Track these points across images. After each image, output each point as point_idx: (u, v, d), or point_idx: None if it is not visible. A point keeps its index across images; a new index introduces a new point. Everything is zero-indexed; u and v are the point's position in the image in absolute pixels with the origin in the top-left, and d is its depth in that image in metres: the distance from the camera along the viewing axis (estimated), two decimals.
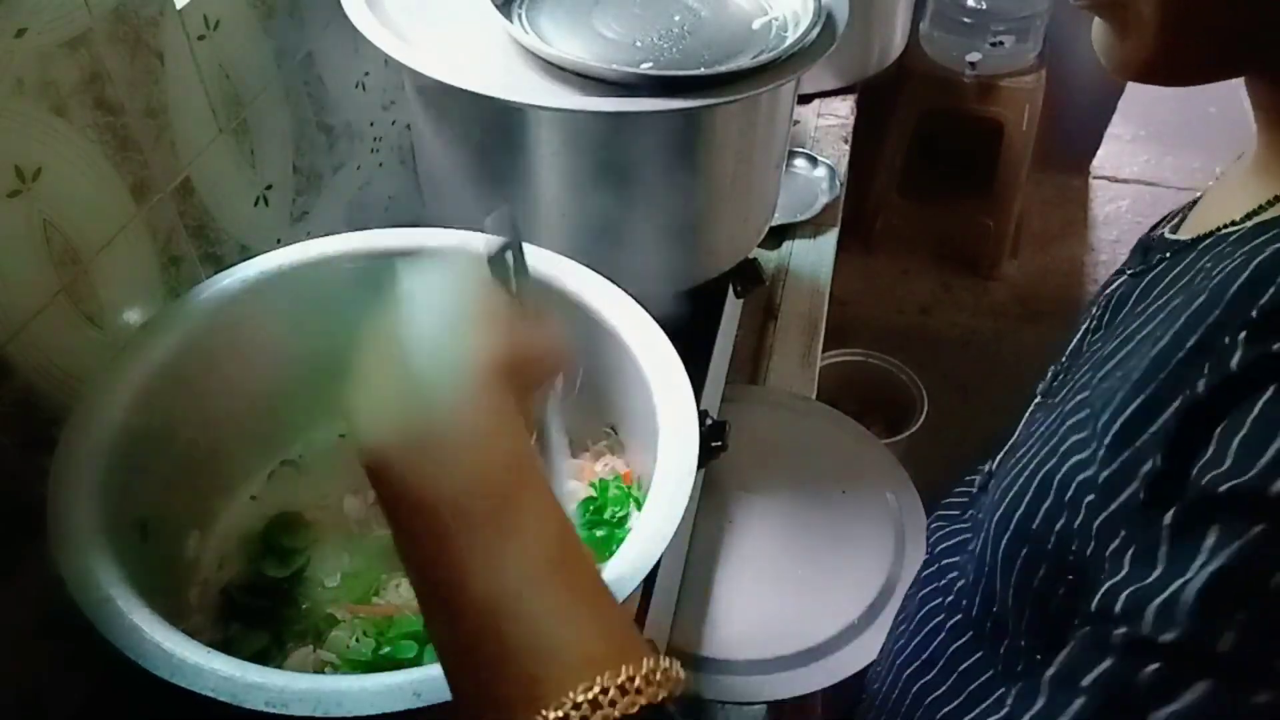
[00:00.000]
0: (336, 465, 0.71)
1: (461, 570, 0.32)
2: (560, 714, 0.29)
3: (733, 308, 0.98)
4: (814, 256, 1.24)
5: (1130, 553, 0.36)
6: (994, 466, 0.62)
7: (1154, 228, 0.58)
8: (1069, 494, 0.45)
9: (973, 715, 0.54)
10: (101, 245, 0.64)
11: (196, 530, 0.66)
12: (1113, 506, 0.41)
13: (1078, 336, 0.57)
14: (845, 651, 0.79)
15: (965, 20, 1.92)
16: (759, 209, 0.90)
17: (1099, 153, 2.65)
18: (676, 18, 0.77)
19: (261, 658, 0.58)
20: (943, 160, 2.31)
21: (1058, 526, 0.45)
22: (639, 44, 0.74)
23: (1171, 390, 0.39)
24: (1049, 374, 0.59)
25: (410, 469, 0.34)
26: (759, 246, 0.96)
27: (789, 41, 0.72)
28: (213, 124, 0.75)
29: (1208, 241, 0.47)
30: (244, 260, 0.68)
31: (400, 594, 0.63)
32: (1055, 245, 2.51)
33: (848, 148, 1.45)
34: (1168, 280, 0.48)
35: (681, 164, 0.77)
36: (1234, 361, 0.36)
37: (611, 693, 0.29)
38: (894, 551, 0.86)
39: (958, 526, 0.64)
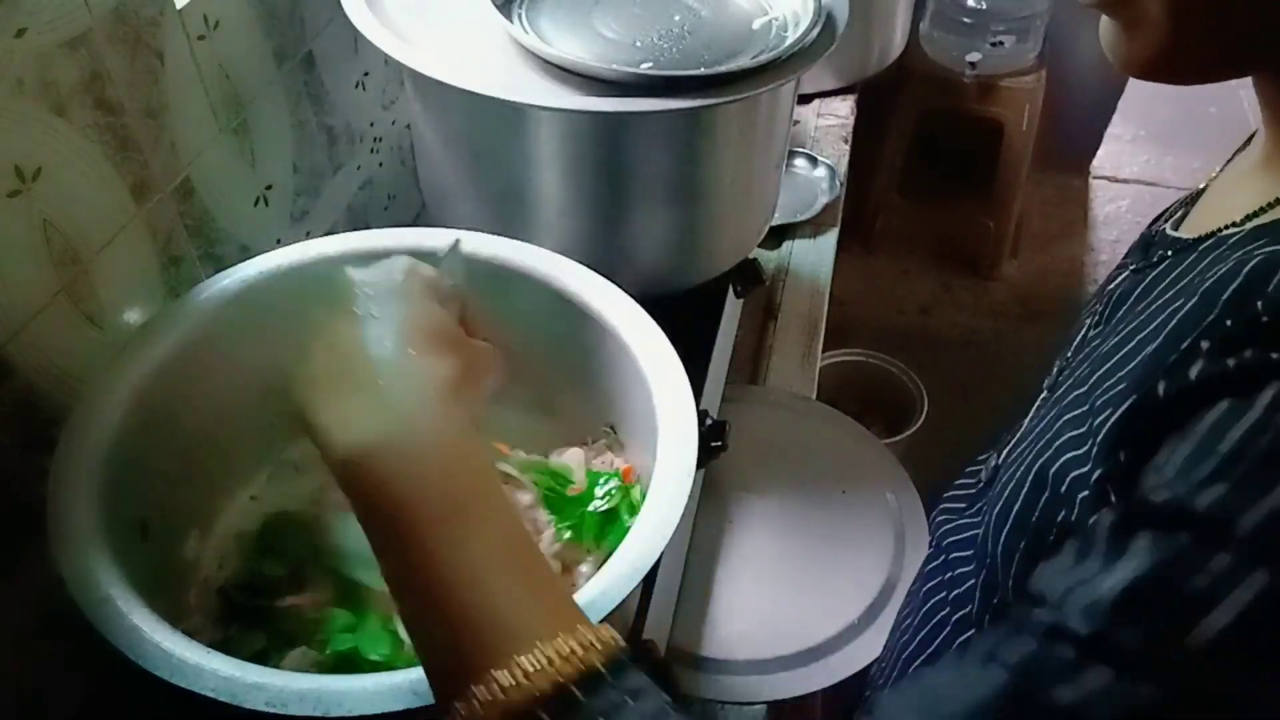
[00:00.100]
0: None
1: (428, 559, 0.38)
2: (508, 674, 0.34)
3: (733, 308, 0.98)
4: (814, 256, 1.24)
5: (1076, 545, 0.38)
6: (1000, 460, 0.62)
7: (1155, 221, 0.58)
8: (1064, 488, 0.45)
9: None
10: (101, 245, 0.64)
11: (196, 530, 0.66)
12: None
13: (1081, 331, 0.58)
14: (845, 651, 0.79)
15: (965, 20, 1.92)
16: (759, 209, 0.90)
17: (1099, 153, 2.65)
18: (676, 18, 0.77)
19: (261, 658, 0.58)
20: (943, 160, 2.31)
21: (1058, 519, 0.46)
22: (639, 44, 0.74)
23: None
24: (1054, 368, 0.59)
25: (383, 472, 0.39)
26: (759, 246, 0.96)
27: (789, 41, 0.72)
28: (213, 124, 0.75)
29: (1208, 243, 0.47)
30: (244, 260, 0.68)
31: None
32: (1055, 245, 2.51)
33: (848, 148, 1.45)
34: (1168, 281, 0.48)
35: (681, 164, 0.77)
36: (1193, 372, 0.36)
37: (553, 659, 0.35)
38: (894, 551, 0.86)
39: (964, 520, 0.64)
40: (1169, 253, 0.51)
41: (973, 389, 2.05)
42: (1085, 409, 0.45)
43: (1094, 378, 0.47)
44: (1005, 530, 0.51)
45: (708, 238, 0.85)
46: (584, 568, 0.64)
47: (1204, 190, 0.56)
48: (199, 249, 0.75)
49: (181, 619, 0.60)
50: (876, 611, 0.82)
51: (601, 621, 0.39)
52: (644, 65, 0.71)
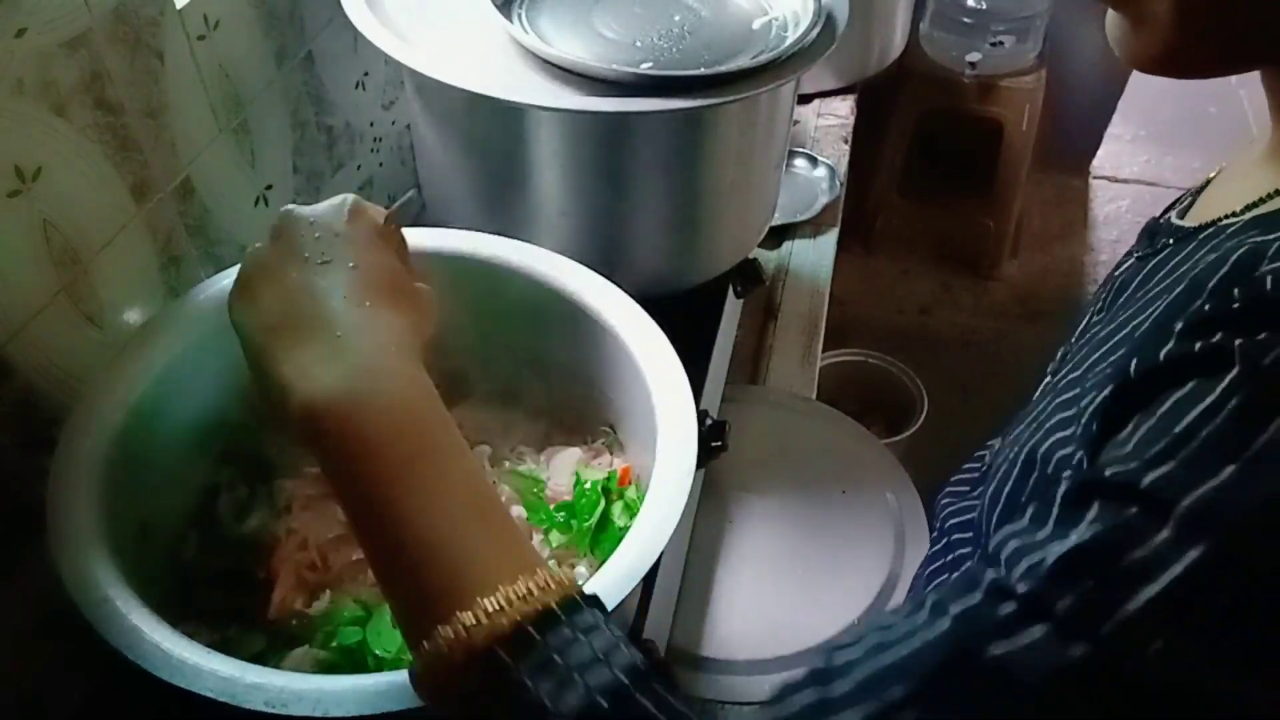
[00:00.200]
0: None
1: (392, 506, 0.39)
2: (471, 615, 0.36)
3: (733, 308, 0.98)
4: (814, 256, 1.24)
5: (1032, 510, 0.39)
6: (1002, 445, 0.62)
7: (1164, 211, 0.58)
8: (1051, 468, 0.46)
9: None
10: (101, 245, 0.64)
11: (196, 530, 0.66)
12: None
13: (1086, 317, 0.58)
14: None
15: (965, 20, 1.92)
16: (759, 209, 0.90)
17: (1099, 153, 2.65)
18: (676, 18, 0.77)
19: (260, 659, 0.58)
20: (943, 160, 2.31)
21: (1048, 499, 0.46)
22: (639, 44, 0.74)
23: None
24: (1059, 354, 0.60)
25: (345, 422, 0.40)
26: (759, 246, 0.96)
27: (789, 41, 0.72)
28: (213, 124, 0.75)
29: (1209, 231, 0.48)
30: None
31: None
32: (1055, 245, 2.51)
33: (848, 148, 1.45)
34: (1168, 268, 0.48)
35: (681, 164, 0.77)
36: (1163, 352, 0.37)
37: (512, 600, 0.37)
38: (894, 551, 0.86)
39: (966, 504, 0.64)
40: (1171, 240, 0.51)
41: (973, 389, 2.05)
42: (1077, 391, 0.46)
43: (1088, 362, 0.48)
44: (997, 510, 0.51)
45: (708, 238, 0.85)
46: (581, 568, 0.64)
47: (1211, 180, 0.56)
48: (199, 249, 0.75)
49: (181, 619, 0.60)
50: (876, 612, 0.82)
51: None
52: (644, 65, 0.71)
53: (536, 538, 0.65)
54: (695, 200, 0.80)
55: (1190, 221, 0.52)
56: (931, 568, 0.65)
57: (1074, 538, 0.35)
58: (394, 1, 0.77)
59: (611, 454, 0.72)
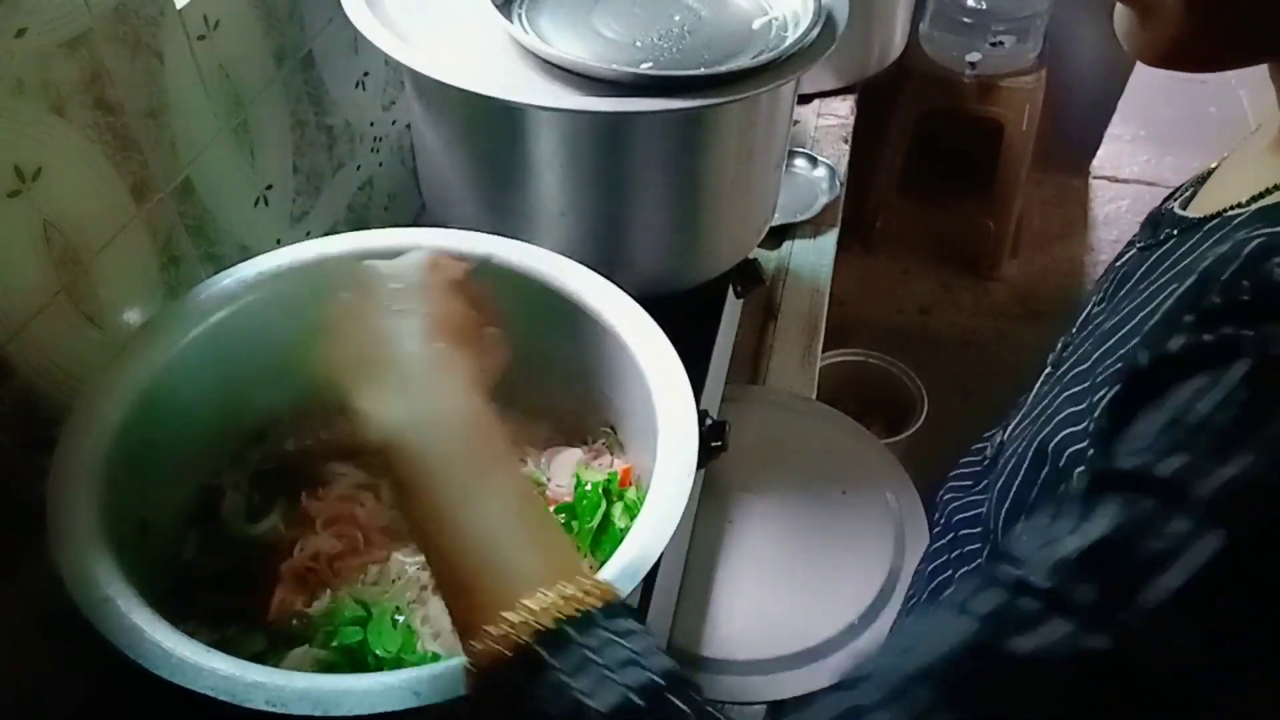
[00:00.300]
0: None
1: (450, 520, 0.43)
2: (516, 614, 0.39)
3: (733, 308, 0.98)
4: (814, 256, 1.24)
5: (1045, 504, 0.39)
6: (1005, 436, 0.62)
7: (1165, 200, 0.58)
8: (1062, 462, 0.46)
9: None
10: (101, 245, 0.64)
11: (196, 530, 0.66)
12: None
13: (1086, 308, 0.58)
14: (845, 651, 0.79)
15: (965, 20, 1.92)
16: (759, 209, 0.90)
17: (1099, 153, 2.64)
18: (676, 18, 0.77)
19: (260, 659, 0.58)
20: (943, 160, 2.30)
21: (1058, 494, 0.46)
22: (639, 44, 0.74)
23: None
24: (1059, 344, 0.60)
25: (414, 451, 0.44)
26: (759, 246, 0.96)
27: (789, 41, 0.72)
28: (213, 124, 0.75)
29: (1213, 223, 0.48)
30: (244, 260, 0.68)
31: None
32: (1055, 245, 2.51)
33: (848, 148, 1.45)
34: (1171, 260, 0.48)
35: (681, 164, 0.77)
36: (1173, 344, 0.37)
37: (555, 602, 0.39)
38: (894, 552, 0.86)
39: (971, 498, 0.64)
40: (1175, 231, 0.51)
41: (973, 389, 2.05)
42: (1086, 385, 0.46)
43: (1095, 355, 0.47)
44: (1006, 506, 0.51)
45: (708, 238, 0.85)
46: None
47: (1214, 170, 0.56)
48: (199, 249, 0.75)
49: (181, 619, 0.60)
50: (876, 611, 0.82)
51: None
52: (644, 65, 0.71)
53: None
54: (695, 200, 0.80)
55: (1194, 212, 0.52)
56: (935, 563, 0.65)
57: (1092, 530, 0.35)
58: (394, 1, 0.77)
59: (612, 454, 0.72)
